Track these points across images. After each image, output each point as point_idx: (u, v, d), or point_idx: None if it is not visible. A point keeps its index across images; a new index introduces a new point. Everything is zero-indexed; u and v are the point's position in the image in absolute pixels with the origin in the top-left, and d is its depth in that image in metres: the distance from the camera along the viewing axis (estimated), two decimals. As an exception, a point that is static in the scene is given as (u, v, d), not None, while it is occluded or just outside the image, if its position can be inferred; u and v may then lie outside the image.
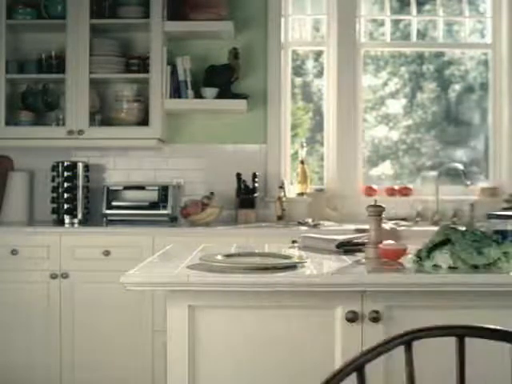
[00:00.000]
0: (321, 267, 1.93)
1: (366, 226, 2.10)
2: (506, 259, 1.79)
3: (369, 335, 1.76)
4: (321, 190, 4.11)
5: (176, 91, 3.84)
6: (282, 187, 3.95)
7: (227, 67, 3.89)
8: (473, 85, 4.31)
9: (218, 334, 1.79)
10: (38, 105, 3.91)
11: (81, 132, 3.72)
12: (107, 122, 3.87)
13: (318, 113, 4.28)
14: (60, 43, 3.81)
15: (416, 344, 1.10)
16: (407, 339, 1.09)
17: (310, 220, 3.76)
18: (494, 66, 4.22)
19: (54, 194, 3.80)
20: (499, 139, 4.19)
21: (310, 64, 4.34)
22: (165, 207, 3.78)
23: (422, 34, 4.28)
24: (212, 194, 3.83)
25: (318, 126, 4.28)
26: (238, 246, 2.47)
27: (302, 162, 4.09)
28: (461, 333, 1.09)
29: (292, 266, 1.85)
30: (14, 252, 3.43)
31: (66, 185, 3.78)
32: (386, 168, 4.33)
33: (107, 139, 3.77)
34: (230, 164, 4.00)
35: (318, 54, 4.30)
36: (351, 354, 1.15)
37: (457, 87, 4.33)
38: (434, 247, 1.84)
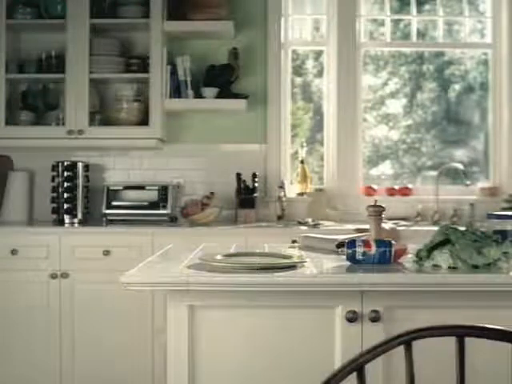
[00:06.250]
0: (321, 267, 1.92)
1: (366, 226, 2.09)
2: (506, 259, 1.79)
3: (369, 335, 1.75)
4: (321, 190, 4.10)
5: (176, 91, 3.85)
6: (281, 187, 3.96)
7: (227, 67, 3.89)
8: (473, 85, 4.31)
9: (218, 334, 1.79)
10: (38, 105, 3.92)
11: (81, 132, 3.72)
12: (107, 121, 3.87)
13: (318, 113, 4.28)
14: (60, 43, 3.81)
15: (416, 344, 1.10)
16: (407, 339, 1.09)
17: (309, 220, 3.76)
18: (493, 66, 4.22)
19: (54, 194, 3.80)
20: (499, 139, 4.19)
21: (309, 64, 4.34)
22: (165, 207, 3.78)
23: (422, 34, 4.28)
24: (212, 193, 3.83)
25: (317, 126, 4.28)
26: (237, 245, 2.47)
27: (302, 162, 4.09)
28: (461, 333, 1.09)
29: (292, 266, 1.85)
30: (13, 252, 3.43)
31: (65, 185, 3.78)
32: (386, 168, 4.33)
33: (107, 139, 3.77)
34: (230, 164, 4.00)
35: (318, 54, 4.30)
36: (351, 354, 1.15)
37: (457, 87, 4.33)
38: (434, 247, 1.84)
